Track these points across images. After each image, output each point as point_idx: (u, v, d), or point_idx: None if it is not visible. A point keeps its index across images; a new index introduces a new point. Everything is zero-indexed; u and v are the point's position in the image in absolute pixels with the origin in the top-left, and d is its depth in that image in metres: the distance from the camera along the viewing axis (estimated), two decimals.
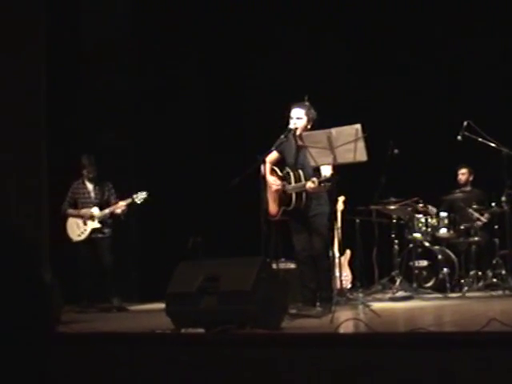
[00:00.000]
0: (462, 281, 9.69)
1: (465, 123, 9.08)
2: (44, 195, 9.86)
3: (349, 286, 9.68)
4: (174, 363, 4.80)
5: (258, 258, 6.22)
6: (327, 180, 6.93)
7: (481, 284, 9.53)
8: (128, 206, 9.66)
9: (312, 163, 7.07)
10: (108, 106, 11.49)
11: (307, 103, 7.49)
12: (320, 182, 6.94)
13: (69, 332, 5.73)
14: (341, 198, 9.22)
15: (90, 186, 9.82)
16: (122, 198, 9.70)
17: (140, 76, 11.86)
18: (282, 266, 8.81)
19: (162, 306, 5.97)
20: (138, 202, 9.63)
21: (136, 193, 9.62)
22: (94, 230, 9.65)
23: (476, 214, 9.76)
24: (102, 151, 10.22)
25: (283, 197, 7.41)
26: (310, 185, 7.05)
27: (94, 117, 11.45)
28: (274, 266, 7.89)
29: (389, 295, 9.28)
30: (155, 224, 10.37)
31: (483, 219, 9.75)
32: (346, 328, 5.66)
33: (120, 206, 9.64)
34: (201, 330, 5.44)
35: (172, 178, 11.00)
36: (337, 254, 9.23)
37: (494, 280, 9.48)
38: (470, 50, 10.68)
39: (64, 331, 5.64)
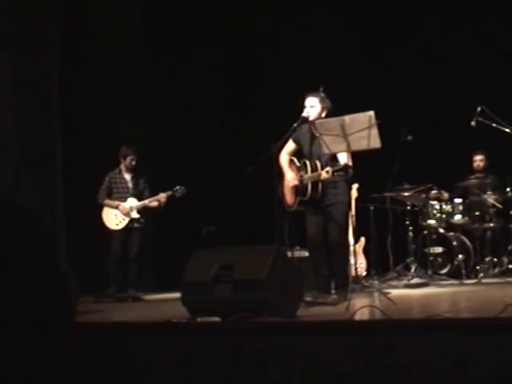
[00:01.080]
0: (478, 267, 9.66)
1: (479, 109, 9.02)
2: (58, 185, 9.93)
3: (364, 273, 9.67)
4: (190, 352, 4.81)
5: (273, 246, 6.23)
6: (341, 169, 6.90)
7: (496, 270, 9.50)
8: (167, 198, 9.72)
9: (326, 151, 7.06)
10: (121, 98, 11.49)
11: (322, 94, 7.48)
12: (334, 172, 6.91)
13: (85, 322, 5.75)
14: (355, 186, 9.19)
15: (127, 177, 9.88)
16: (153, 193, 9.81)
17: (152, 66, 11.86)
18: (297, 253, 8.81)
19: (178, 295, 5.99)
20: (177, 196, 9.69)
21: (175, 186, 9.69)
22: (131, 220, 9.71)
23: (491, 200, 9.73)
24: (115, 142, 10.22)
25: (300, 187, 7.39)
26: (324, 175, 7.02)
27: (107, 108, 11.45)
28: (289, 253, 7.89)
29: (404, 282, 9.26)
30: (169, 213, 10.37)
31: (498, 205, 9.71)
32: (362, 315, 5.66)
33: (160, 198, 9.70)
34: (216, 319, 5.45)
35: (186, 167, 11.00)
36: (351, 242, 9.22)
37: (510, 266, 9.46)
38: (484, 35, 10.62)
39: (80, 321, 5.66)
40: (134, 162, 9.81)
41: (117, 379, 4.93)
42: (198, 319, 5.59)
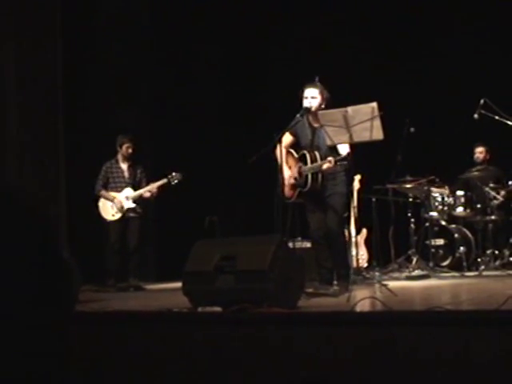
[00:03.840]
0: (479, 259, 9.66)
1: (481, 101, 9.02)
2: (60, 174, 9.94)
3: (365, 264, 9.68)
4: (191, 342, 4.82)
5: (275, 236, 6.21)
6: (343, 159, 6.90)
7: (498, 263, 9.50)
8: (161, 187, 9.68)
9: (328, 142, 7.06)
10: (122, 85, 11.47)
11: (319, 84, 7.47)
12: (336, 161, 6.90)
13: (87, 311, 5.76)
14: (357, 177, 9.19)
15: (123, 166, 9.85)
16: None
17: (152, 55, 11.85)
18: (299, 244, 8.82)
19: (179, 284, 5.99)
20: (173, 183, 9.65)
21: (170, 173, 9.64)
22: (127, 210, 9.69)
23: (492, 193, 9.72)
24: (115, 131, 10.19)
25: (299, 178, 7.39)
26: (327, 165, 7.00)
27: (108, 96, 11.43)
28: (291, 244, 7.89)
29: (405, 274, 9.26)
30: (171, 203, 10.38)
31: (500, 197, 9.71)
32: (363, 307, 5.67)
33: (152, 188, 9.66)
34: (218, 309, 5.45)
35: (188, 157, 10.99)
36: (353, 233, 9.24)
37: (511, 259, 9.45)
38: (487, 27, 10.59)
39: (82, 310, 5.67)
40: (130, 150, 9.78)
41: (117, 368, 4.95)
42: (199, 309, 5.59)
